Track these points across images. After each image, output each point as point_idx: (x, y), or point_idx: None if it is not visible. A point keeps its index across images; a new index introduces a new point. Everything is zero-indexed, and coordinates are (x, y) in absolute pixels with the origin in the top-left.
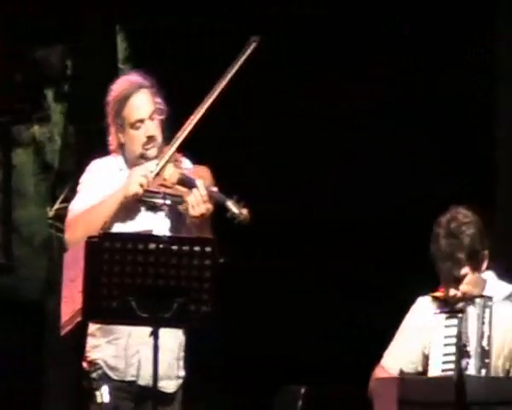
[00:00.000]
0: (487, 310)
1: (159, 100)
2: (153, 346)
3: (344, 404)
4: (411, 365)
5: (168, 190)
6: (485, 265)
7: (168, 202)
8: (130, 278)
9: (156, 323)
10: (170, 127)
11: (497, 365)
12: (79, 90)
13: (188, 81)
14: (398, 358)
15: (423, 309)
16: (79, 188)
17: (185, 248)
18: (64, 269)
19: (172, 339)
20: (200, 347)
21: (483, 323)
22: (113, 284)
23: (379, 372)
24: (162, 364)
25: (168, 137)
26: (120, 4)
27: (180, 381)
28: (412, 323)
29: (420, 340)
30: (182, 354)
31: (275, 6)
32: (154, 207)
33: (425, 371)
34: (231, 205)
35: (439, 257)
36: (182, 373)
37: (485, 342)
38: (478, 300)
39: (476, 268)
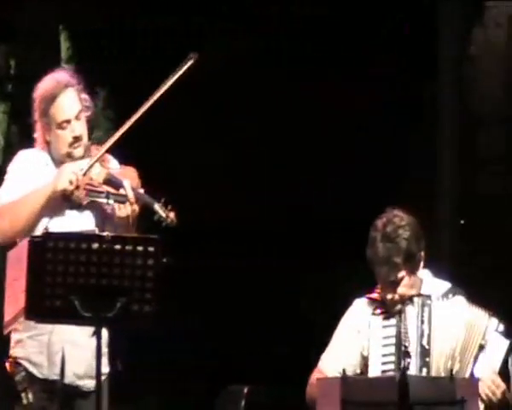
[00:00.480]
0: (426, 309)
1: (85, 97)
2: (96, 346)
3: (286, 404)
4: (350, 367)
5: (115, 192)
6: (421, 266)
7: (111, 201)
8: (73, 278)
9: (99, 322)
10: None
11: (439, 365)
12: (23, 89)
13: (130, 81)
14: (335, 361)
15: (360, 311)
16: (6, 177)
17: (128, 247)
18: (7, 268)
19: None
20: (139, 346)
21: (422, 322)
22: (57, 284)
23: (316, 375)
24: (83, 363)
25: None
26: (63, 4)
27: (104, 377)
28: (349, 325)
29: (358, 342)
30: (106, 349)
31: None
32: (78, 206)
33: (363, 373)
34: (158, 208)
35: (375, 261)
36: (105, 370)
37: (425, 341)
38: (416, 299)
39: (413, 271)
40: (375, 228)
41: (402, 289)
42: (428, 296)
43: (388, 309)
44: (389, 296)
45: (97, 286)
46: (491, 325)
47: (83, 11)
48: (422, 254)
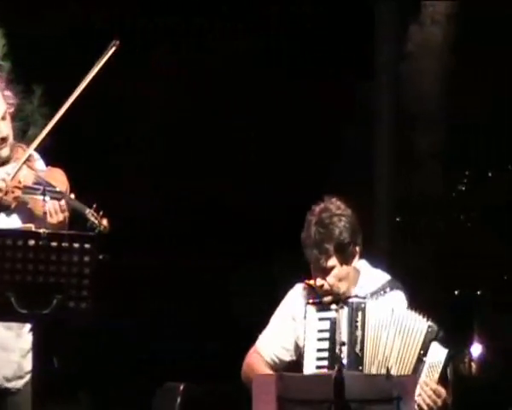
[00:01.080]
0: (360, 313)
1: (8, 93)
2: (32, 342)
3: (222, 401)
4: (285, 351)
5: (22, 195)
6: (355, 260)
7: (47, 198)
8: (9, 275)
9: (35, 319)
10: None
11: (371, 371)
12: None
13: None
14: (271, 343)
15: (297, 297)
16: None
17: (65, 244)
18: None
19: (18, 338)
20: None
21: (356, 327)
22: None
23: (252, 355)
24: (12, 365)
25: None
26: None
27: (28, 376)
28: (286, 310)
29: (292, 329)
30: (28, 347)
31: None
32: (6, 209)
33: (299, 362)
34: (90, 215)
35: (308, 244)
36: (28, 368)
37: (357, 348)
38: (350, 301)
39: (345, 262)
40: (312, 212)
41: (331, 279)
42: (363, 298)
43: (321, 298)
44: (319, 283)
45: (34, 283)
46: (429, 334)
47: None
48: (357, 249)
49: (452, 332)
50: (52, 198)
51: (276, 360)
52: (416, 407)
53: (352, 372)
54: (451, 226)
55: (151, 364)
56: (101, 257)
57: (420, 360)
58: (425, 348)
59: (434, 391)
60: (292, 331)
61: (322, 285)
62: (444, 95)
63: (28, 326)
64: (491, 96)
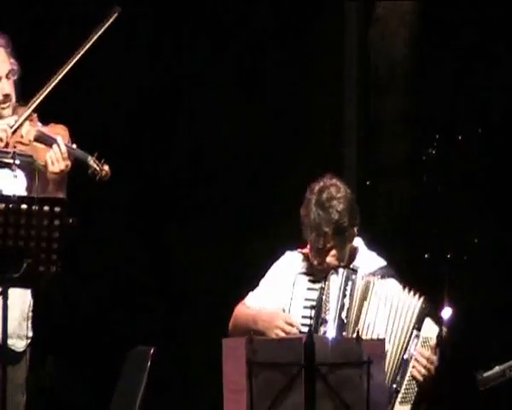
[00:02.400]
0: (350, 283)
1: (13, 60)
2: (2, 306)
3: (192, 364)
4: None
5: (25, 148)
6: (353, 240)
7: (17, 161)
8: None
9: (5, 283)
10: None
11: None
12: None
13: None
14: (260, 303)
15: (289, 264)
16: None
17: (34, 207)
18: None
19: (21, 298)
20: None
21: (344, 295)
22: None
23: (238, 309)
24: (12, 322)
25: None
26: None
27: (28, 341)
28: (276, 275)
29: (280, 295)
30: (30, 314)
31: None
32: (0, 166)
33: None
34: (92, 162)
35: (306, 224)
36: (30, 334)
37: (344, 315)
38: (341, 270)
39: (343, 243)
40: (311, 190)
41: (330, 259)
42: (355, 271)
43: (315, 272)
44: (316, 262)
45: (3, 247)
46: (424, 309)
47: None
48: (355, 230)
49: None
50: (22, 162)
51: None
52: (411, 381)
53: (321, 336)
54: (420, 189)
55: (120, 328)
56: (70, 221)
57: (413, 334)
58: (419, 322)
59: (428, 359)
60: (279, 297)
61: (318, 264)
62: (411, 60)
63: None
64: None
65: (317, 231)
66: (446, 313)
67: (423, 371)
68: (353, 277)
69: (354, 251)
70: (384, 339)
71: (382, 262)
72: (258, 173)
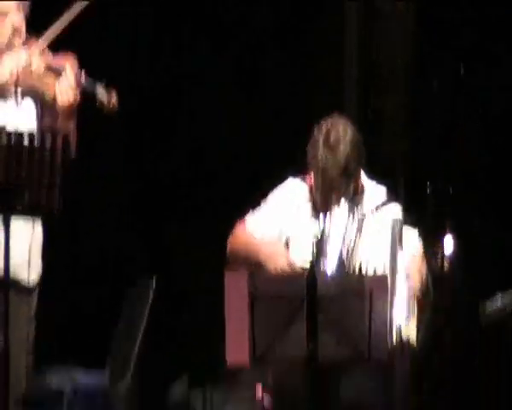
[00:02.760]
0: (353, 218)
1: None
2: (4, 238)
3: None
4: (271, 235)
5: (34, 80)
6: (358, 179)
7: (21, 94)
8: None
9: (7, 217)
10: None
11: None
12: None
13: None
14: (259, 225)
15: (292, 191)
16: None
17: (36, 143)
18: None
19: (32, 230)
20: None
21: (346, 229)
22: None
23: (239, 229)
24: (23, 254)
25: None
26: None
27: (38, 274)
28: (279, 199)
29: (283, 220)
30: (40, 246)
31: None
32: (17, 97)
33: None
34: (101, 92)
35: (313, 165)
36: (40, 267)
37: (345, 250)
38: (345, 204)
39: (348, 182)
40: (320, 130)
41: (334, 197)
42: (358, 206)
43: (318, 204)
44: (320, 200)
45: (5, 182)
46: (396, 226)
47: None
48: (360, 168)
49: (424, 228)
50: (24, 94)
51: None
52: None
53: (324, 271)
54: (421, 120)
55: (121, 260)
56: (73, 156)
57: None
58: (399, 239)
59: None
60: (280, 223)
61: (325, 201)
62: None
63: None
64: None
65: (324, 173)
66: (448, 246)
67: (417, 276)
68: (356, 212)
69: (358, 186)
70: (387, 275)
71: (384, 190)
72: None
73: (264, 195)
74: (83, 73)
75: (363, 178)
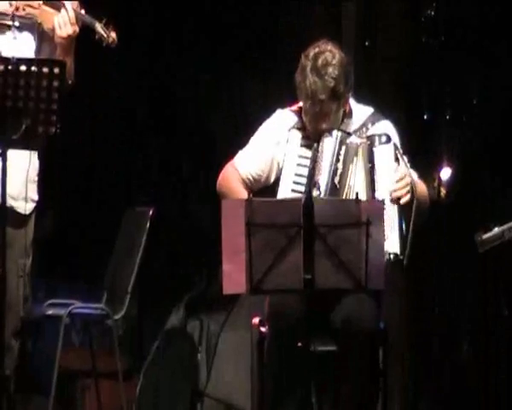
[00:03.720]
0: (343, 147)
1: None
2: (1, 168)
3: (192, 224)
4: (261, 173)
5: (33, 11)
6: (347, 104)
7: (17, 23)
8: None
9: (4, 144)
10: None
11: None
12: None
13: None
14: (249, 162)
15: (281, 122)
16: None
17: (33, 68)
18: None
19: (25, 160)
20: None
21: (338, 159)
22: None
23: (229, 169)
24: (17, 184)
25: None
26: None
27: (34, 204)
28: (268, 134)
29: (274, 152)
30: (36, 177)
31: None
32: (16, 28)
33: (273, 188)
34: (99, 27)
35: (302, 90)
36: (35, 197)
37: (336, 180)
38: (335, 133)
39: (338, 106)
40: (306, 56)
41: (325, 125)
42: (349, 134)
43: (308, 132)
44: (310, 128)
45: (2, 108)
46: (368, 145)
47: None
48: (349, 94)
49: (421, 156)
50: (21, 24)
51: (252, 180)
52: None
53: (320, 198)
54: (419, 49)
55: (119, 185)
56: (70, 82)
57: (371, 173)
58: (370, 159)
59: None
60: (272, 155)
61: (314, 129)
62: None
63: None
64: None
65: (313, 97)
66: (445, 173)
67: (404, 190)
68: (347, 141)
69: (346, 110)
70: (383, 200)
71: (370, 110)
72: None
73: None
74: (82, 10)
75: (351, 102)
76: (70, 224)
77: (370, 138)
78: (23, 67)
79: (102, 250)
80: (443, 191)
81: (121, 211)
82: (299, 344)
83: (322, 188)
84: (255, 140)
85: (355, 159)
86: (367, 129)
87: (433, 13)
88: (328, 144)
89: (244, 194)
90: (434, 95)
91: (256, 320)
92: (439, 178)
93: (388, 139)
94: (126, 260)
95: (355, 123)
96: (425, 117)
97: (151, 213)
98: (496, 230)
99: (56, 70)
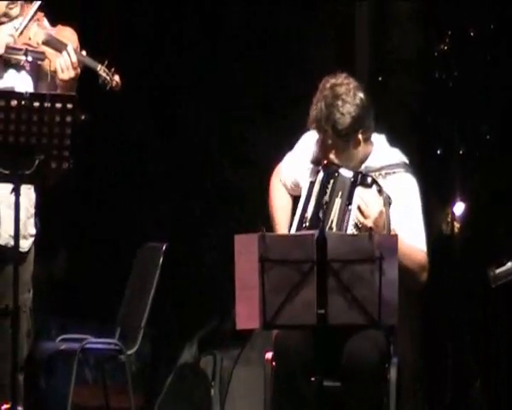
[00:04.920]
0: (331, 180)
1: None
2: (14, 203)
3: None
4: (294, 186)
5: (33, 49)
6: (358, 146)
7: (30, 58)
8: None
9: (17, 180)
10: None
11: None
12: None
13: None
14: (289, 171)
15: (310, 143)
16: None
17: (47, 104)
18: None
19: (24, 197)
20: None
21: (325, 192)
22: None
23: (273, 178)
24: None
25: None
26: None
27: (32, 239)
28: (301, 153)
29: (297, 172)
30: (33, 211)
31: None
32: (15, 65)
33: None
34: (102, 72)
35: (310, 114)
36: (33, 231)
37: (321, 213)
38: (325, 167)
39: (344, 147)
40: (324, 84)
41: (332, 157)
42: (338, 168)
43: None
44: (320, 155)
45: (15, 144)
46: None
47: None
48: (365, 133)
49: (434, 191)
50: (34, 59)
51: (289, 188)
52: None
53: (334, 232)
54: (433, 86)
55: (132, 224)
56: (83, 117)
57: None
58: (349, 196)
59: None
60: (295, 174)
61: (321, 159)
62: None
63: (32, 188)
64: None
65: (318, 125)
66: (458, 208)
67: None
68: (336, 175)
69: (367, 153)
70: (397, 235)
71: (402, 158)
72: None
73: None
74: (83, 51)
75: (384, 144)
76: (83, 261)
77: (355, 177)
78: (36, 103)
79: (115, 287)
80: (456, 226)
81: (134, 247)
82: (312, 379)
83: (308, 222)
84: (295, 151)
85: (340, 193)
86: (382, 176)
87: (445, 48)
88: (319, 179)
89: (281, 219)
90: (447, 130)
91: (269, 356)
92: (453, 213)
93: (370, 184)
94: (140, 296)
95: (381, 162)
96: (438, 152)
97: (164, 248)
98: (509, 264)
99: (69, 105)
